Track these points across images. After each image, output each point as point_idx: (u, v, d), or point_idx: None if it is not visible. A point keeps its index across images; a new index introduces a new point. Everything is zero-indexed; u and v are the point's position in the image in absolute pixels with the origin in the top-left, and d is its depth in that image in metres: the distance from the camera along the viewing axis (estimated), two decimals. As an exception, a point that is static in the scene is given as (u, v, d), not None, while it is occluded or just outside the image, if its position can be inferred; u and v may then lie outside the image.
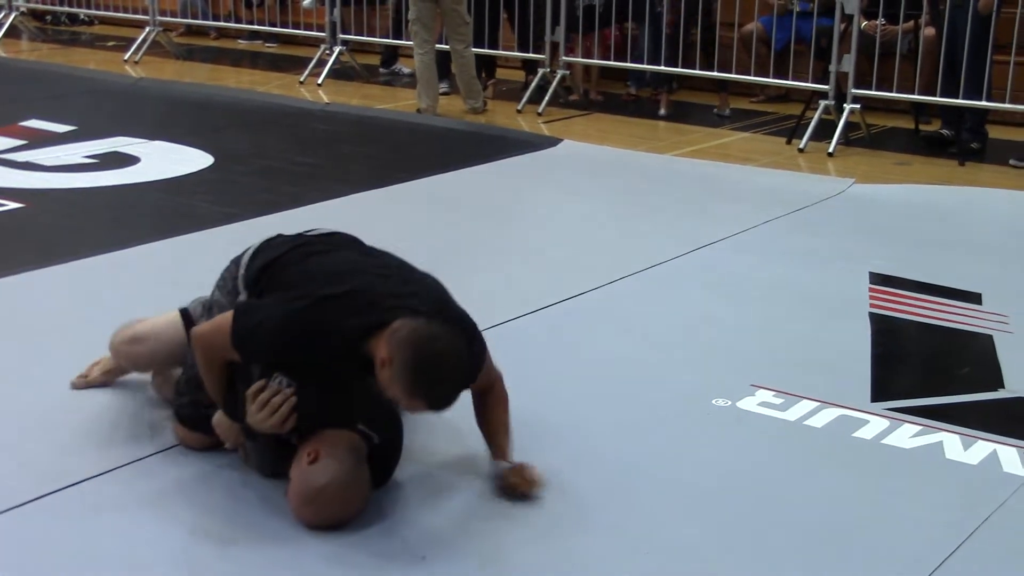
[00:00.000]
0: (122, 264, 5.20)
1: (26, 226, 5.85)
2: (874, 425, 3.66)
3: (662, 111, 8.88)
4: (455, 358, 2.93)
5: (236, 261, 3.46)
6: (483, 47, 9.26)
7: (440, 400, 2.94)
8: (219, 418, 3.25)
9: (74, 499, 3.20)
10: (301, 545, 3.00)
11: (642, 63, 8.90)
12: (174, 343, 3.51)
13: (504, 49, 9.76)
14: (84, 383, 3.84)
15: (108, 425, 3.61)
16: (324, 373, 3.07)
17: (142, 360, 3.66)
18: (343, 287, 3.08)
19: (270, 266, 3.31)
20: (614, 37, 9.21)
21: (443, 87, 9.24)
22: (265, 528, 3.07)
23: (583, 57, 9.15)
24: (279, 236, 3.47)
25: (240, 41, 12.21)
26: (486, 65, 9.68)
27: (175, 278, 5.01)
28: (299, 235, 3.46)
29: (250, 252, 3.43)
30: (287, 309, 3.05)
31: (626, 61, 9.14)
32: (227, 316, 3.11)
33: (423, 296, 3.11)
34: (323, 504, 3.01)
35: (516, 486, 3.19)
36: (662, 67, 8.72)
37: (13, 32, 12.37)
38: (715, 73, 8.71)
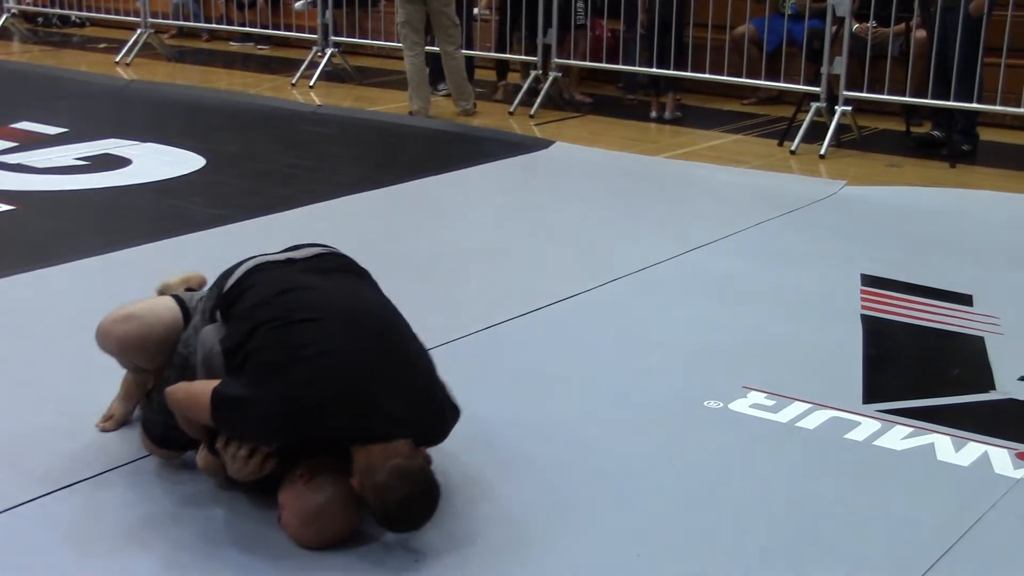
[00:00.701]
0: (114, 266, 5.19)
1: (17, 228, 5.84)
2: (866, 427, 3.66)
3: (653, 114, 8.86)
4: (424, 505, 2.91)
5: (218, 284, 3.30)
6: (491, 51, 9.29)
7: (416, 523, 2.95)
8: (204, 456, 3.16)
9: (67, 501, 3.20)
10: (289, 549, 3.00)
11: (633, 66, 8.90)
12: (168, 326, 3.34)
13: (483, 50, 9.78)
14: (113, 425, 3.60)
15: (87, 432, 3.61)
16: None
17: (131, 340, 3.36)
18: (327, 381, 2.91)
19: (246, 307, 3.13)
20: (605, 38, 9.22)
21: (443, 89, 9.25)
22: (256, 524, 3.07)
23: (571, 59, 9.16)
24: (263, 268, 3.26)
25: (232, 43, 12.21)
26: (498, 68, 9.70)
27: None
28: (286, 271, 3.24)
29: (233, 280, 3.25)
30: (274, 415, 2.91)
31: (616, 63, 9.14)
32: (205, 395, 2.96)
33: (410, 397, 2.98)
34: (325, 522, 2.97)
35: None
36: (648, 69, 8.74)
37: (4, 34, 12.36)
38: (707, 75, 8.73)
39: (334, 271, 3.29)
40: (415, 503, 2.90)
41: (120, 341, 3.39)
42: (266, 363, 2.96)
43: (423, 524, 2.95)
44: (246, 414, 2.93)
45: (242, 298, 3.16)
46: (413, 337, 3.13)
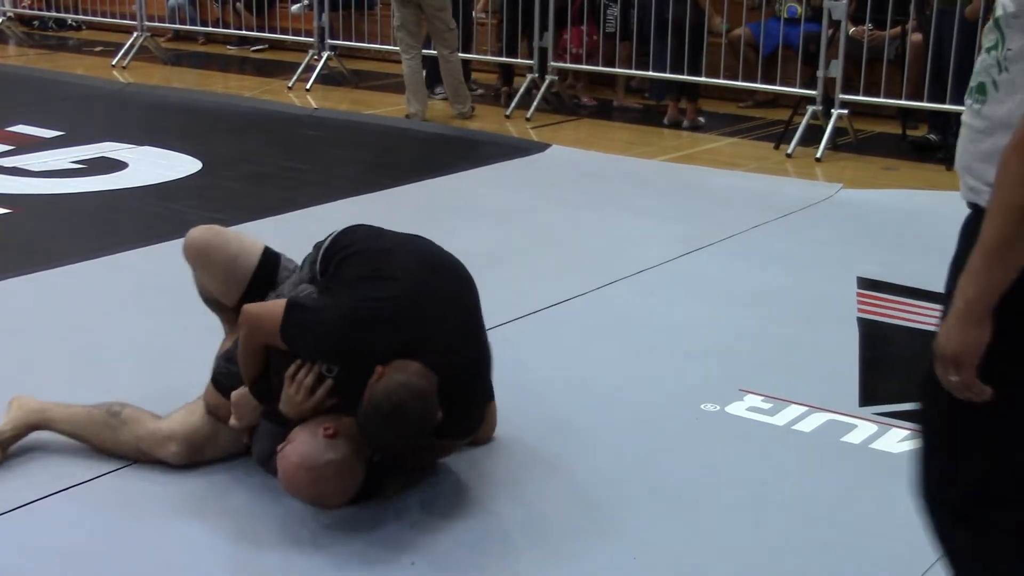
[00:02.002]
0: (110, 269, 5.19)
1: (14, 231, 5.84)
2: (862, 429, 3.67)
3: (665, 120, 8.81)
4: (411, 417, 2.91)
5: (317, 245, 3.42)
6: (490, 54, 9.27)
7: (381, 443, 3.01)
8: (241, 395, 3.24)
9: (66, 504, 3.20)
10: (288, 548, 3.00)
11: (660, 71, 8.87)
12: (242, 258, 3.46)
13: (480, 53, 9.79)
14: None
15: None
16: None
17: (214, 249, 3.47)
18: (392, 309, 3.03)
19: (340, 257, 3.29)
20: (586, 42, 9.19)
21: (440, 93, 9.26)
22: (258, 530, 3.07)
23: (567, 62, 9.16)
24: (360, 227, 3.46)
25: (229, 47, 12.20)
26: (504, 71, 9.71)
27: (163, 283, 5.01)
28: (379, 231, 3.45)
29: (330, 239, 3.39)
30: (334, 317, 3.04)
31: (613, 66, 9.15)
32: (280, 304, 3.11)
33: (453, 343, 3.06)
34: (321, 478, 3.02)
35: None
36: (646, 72, 8.74)
37: (1, 37, 12.35)
38: (703, 79, 8.73)
39: (416, 251, 3.36)
40: (399, 414, 2.89)
41: (201, 249, 3.48)
42: (341, 280, 3.18)
43: (400, 442, 2.97)
44: (309, 320, 3.06)
45: (340, 249, 3.32)
46: (478, 308, 3.25)
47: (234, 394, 3.27)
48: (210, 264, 3.49)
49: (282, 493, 3.17)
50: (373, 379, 2.93)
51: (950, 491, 2.05)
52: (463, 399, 3.08)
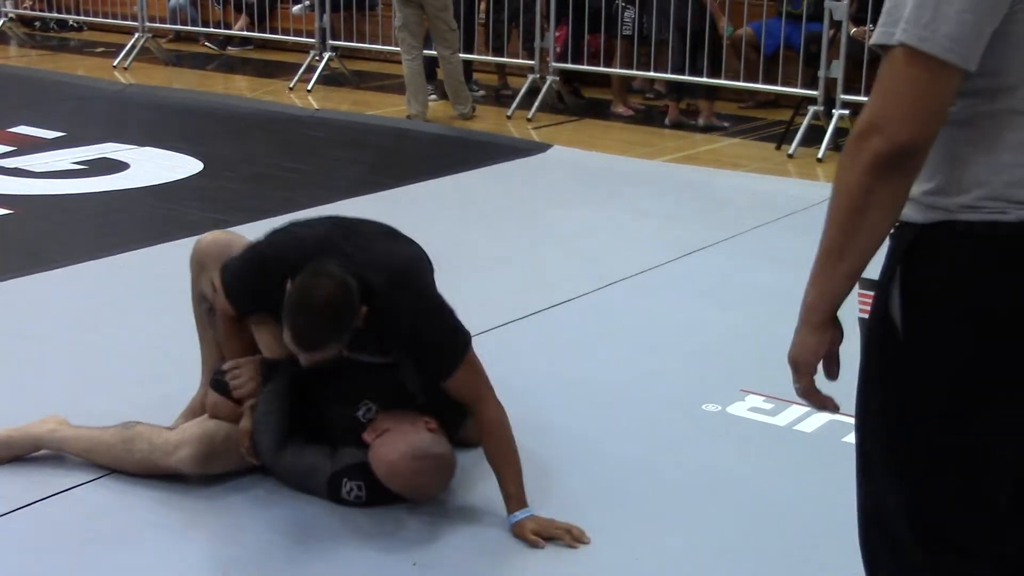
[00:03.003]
0: (112, 270, 5.19)
1: (15, 232, 5.84)
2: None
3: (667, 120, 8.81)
4: (327, 295, 2.93)
5: None
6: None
7: (299, 328, 2.94)
8: (212, 398, 3.28)
9: (66, 505, 3.20)
10: (289, 549, 3.00)
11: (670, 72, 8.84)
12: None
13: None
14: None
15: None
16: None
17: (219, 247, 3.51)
18: (304, 241, 3.21)
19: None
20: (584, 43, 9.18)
21: (430, 92, 9.26)
22: (255, 531, 3.07)
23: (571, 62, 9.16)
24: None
25: (207, 44, 12.15)
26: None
27: (165, 284, 5.00)
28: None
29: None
30: (253, 245, 3.32)
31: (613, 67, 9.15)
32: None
33: (369, 268, 3.08)
34: (426, 469, 3.09)
35: (534, 543, 3.03)
36: (647, 73, 8.74)
37: (2, 38, 12.35)
38: (704, 79, 8.74)
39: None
40: (314, 285, 2.94)
41: (215, 243, 3.49)
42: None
43: (312, 312, 2.94)
44: (228, 267, 3.28)
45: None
46: (398, 236, 3.42)
47: (208, 404, 3.29)
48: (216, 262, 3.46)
49: (281, 494, 3.18)
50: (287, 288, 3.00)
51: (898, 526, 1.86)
52: (392, 304, 3.06)
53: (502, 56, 9.65)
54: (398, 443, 3.07)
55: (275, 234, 3.33)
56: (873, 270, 1.78)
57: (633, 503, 3.25)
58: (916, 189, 1.70)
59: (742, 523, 3.17)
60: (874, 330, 1.80)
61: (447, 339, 3.13)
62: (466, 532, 3.11)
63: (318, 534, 3.08)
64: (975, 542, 1.77)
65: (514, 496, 3.08)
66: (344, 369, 3.17)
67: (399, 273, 3.14)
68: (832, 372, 1.88)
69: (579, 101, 9.43)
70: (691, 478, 3.41)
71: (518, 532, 3.05)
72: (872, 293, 1.82)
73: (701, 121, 8.63)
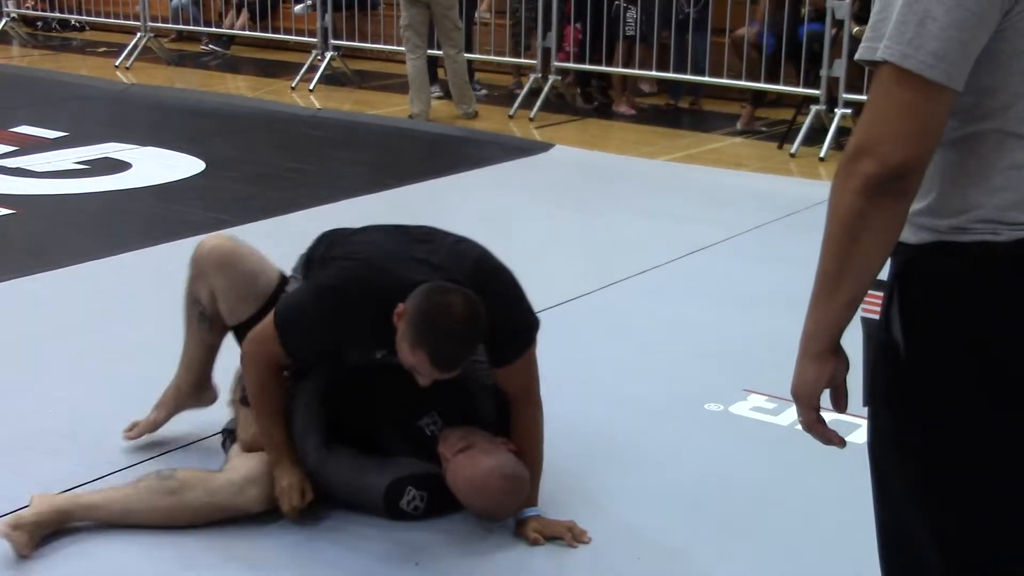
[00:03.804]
0: (113, 270, 5.19)
1: (17, 232, 5.84)
2: (866, 430, 3.65)
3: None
4: (466, 313, 2.84)
5: (301, 256, 3.40)
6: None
7: (442, 350, 2.83)
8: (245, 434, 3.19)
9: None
10: (292, 548, 3.00)
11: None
12: (262, 272, 3.34)
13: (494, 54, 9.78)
14: (135, 433, 3.49)
15: (102, 430, 3.60)
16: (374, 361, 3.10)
17: (239, 259, 3.35)
18: (374, 260, 3.08)
19: (322, 251, 3.30)
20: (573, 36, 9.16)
21: (434, 91, 9.26)
22: (268, 528, 3.07)
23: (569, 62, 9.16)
24: (339, 228, 3.43)
25: (203, 46, 12.16)
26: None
27: (166, 284, 5.00)
28: (360, 228, 3.41)
29: (312, 244, 3.39)
30: (317, 283, 3.09)
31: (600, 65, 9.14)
32: (269, 316, 3.06)
33: (455, 268, 3.05)
34: (510, 489, 3.03)
35: (534, 541, 3.04)
36: (649, 72, 8.74)
37: (4, 38, 12.36)
38: (706, 78, 8.74)
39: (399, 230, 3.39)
40: (454, 302, 2.85)
41: (217, 250, 3.36)
42: (327, 259, 3.19)
43: (459, 331, 2.85)
44: (301, 293, 3.08)
45: (317, 244, 3.34)
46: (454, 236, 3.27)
47: (240, 438, 3.21)
48: (233, 274, 3.32)
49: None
50: (397, 315, 2.87)
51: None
52: (487, 300, 2.97)
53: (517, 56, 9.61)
54: (485, 460, 3.02)
55: (332, 265, 3.13)
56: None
57: (634, 502, 3.25)
58: (910, 209, 1.65)
59: (744, 523, 3.17)
60: (878, 346, 1.75)
61: (525, 325, 3.13)
62: (467, 533, 3.10)
63: (318, 531, 3.07)
64: (1008, 566, 1.71)
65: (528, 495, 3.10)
66: (400, 378, 2.99)
67: (482, 270, 3.09)
68: (840, 404, 1.82)
69: (587, 106, 9.39)
70: (693, 477, 3.40)
71: (519, 529, 3.06)
72: (877, 293, 1.77)
73: (739, 125, 8.63)
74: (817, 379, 1.77)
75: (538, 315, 3.17)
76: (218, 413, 3.54)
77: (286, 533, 3.07)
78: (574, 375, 4.07)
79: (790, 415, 3.77)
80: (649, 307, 4.82)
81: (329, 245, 3.29)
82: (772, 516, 3.21)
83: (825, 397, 1.85)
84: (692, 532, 3.12)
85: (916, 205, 1.66)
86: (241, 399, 3.25)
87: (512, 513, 3.08)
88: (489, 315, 2.92)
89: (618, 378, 4.09)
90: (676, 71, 8.76)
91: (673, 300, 4.90)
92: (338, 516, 3.14)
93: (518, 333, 3.10)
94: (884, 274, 1.76)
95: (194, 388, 3.54)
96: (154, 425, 3.52)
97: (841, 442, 1.86)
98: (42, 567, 2.91)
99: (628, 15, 9.03)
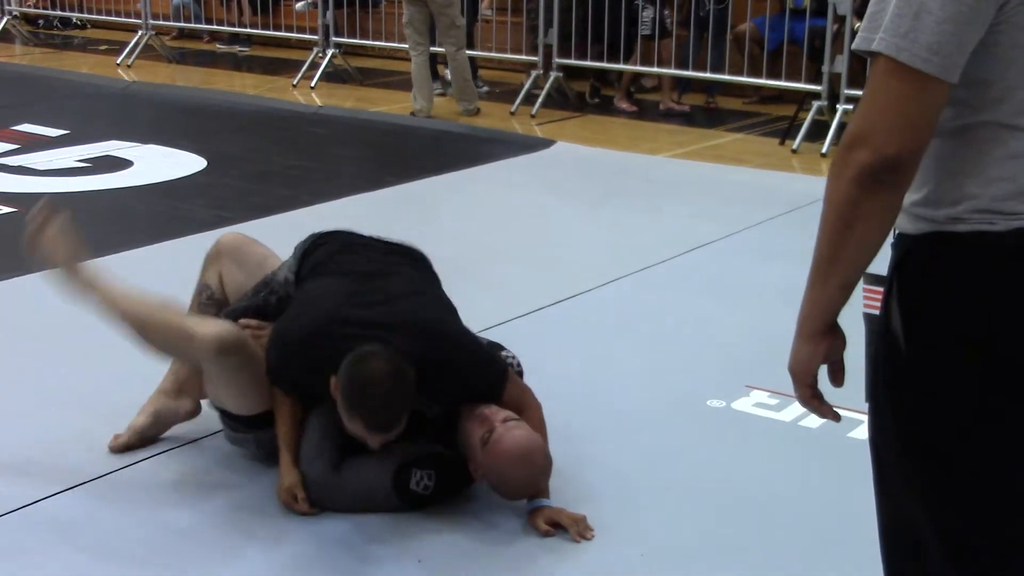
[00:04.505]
0: (115, 268, 5.15)
1: (19, 231, 5.81)
2: (867, 425, 3.65)
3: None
4: (389, 375, 2.94)
5: (297, 249, 3.53)
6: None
7: (375, 417, 2.96)
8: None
9: (68, 503, 3.20)
10: (296, 545, 3.00)
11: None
12: (271, 260, 3.54)
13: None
14: (119, 446, 3.51)
15: (105, 428, 3.60)
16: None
17: (250, 245, 3.62)
18: (318, 321, 3.15)
19: (306, 268, 3.44)
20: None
21: (436, 88, 9.26)
22: (261, 524, 3.07)
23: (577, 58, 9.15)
24: (336, 235, 3.55)
25: (218, 44, 12.17)
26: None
27: (169, 282, 4.99)
28: (341, 243, 3.52)
29: (309, 243, 3.52)
30: (276, 328, 3.24)
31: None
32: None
33: (401, 326, 3.10)
34: (546, 472, 3.12)
35: (545, 532, 3.06)
36: (651, 68, 8.73)
37: (5, 36, 12.36)
38: (708, 74, 8.74)
39: (393, 253, 3.50)
40: (374, 368, 2.94)
41: (232, 236, 3.60)
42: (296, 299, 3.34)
43: (384, 393, 2.93)
44: (271, 347, 3.23)
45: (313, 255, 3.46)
46: (415, 290, 3.29)
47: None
48: (243, 256, 3.57)
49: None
50: (333, 389, 3.01)
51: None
52: (432, 363, 3.06)
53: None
54: (534, 434, 3.09)
55: (291, 308, 3.27)
56: (879, 266, 1.77)
57: (637, 499, 3.24)
58: (906, 199, 1.67)
59: (747, 519, 3.17)
60: (879, 338, 1.77)
61: (490, 371, 3.22)
62: (470, 529, 3.10)
63: (323, 528, 3.07)
64: (1009, 561, 1.71)
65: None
66: None
67: (428, 334, 3.13)
68: (837, 380, 1.88)
69: (592, 101, 9.39)
70: (696, 474, 3.40)
71: (531, 519, 3.08)
72: (877, 288, 1.79)
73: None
74: (811, 357, 1.84)
75: (504, 359, 3.34)
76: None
77: (285, 529, 3.07)
78: (575, 372, 4.07)
79: (793, 411, 3.77)
80: (651, 304, 4.82)
81: (311, 267, 3.42)
82: (774, 512, 3.20)
83: (831, 392, 1.87)
84: (694, 528, 3.12)
85: (914, 196, 1.68)
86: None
87: (529, 495, 3.12)
88: (447, 383, 3.11)
89: (620, 374, 4.08)
90: (688, 69, 8.74)
91: (675, 296, 4.90)
92: (340, 515, 3.13)
93: (480, 390, 3.18)
94: (882, 269, 1.77)
95: (175, 388, 3.57)
96: (138, 434, 3.52)
97: (836, 417, 1.93)
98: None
99: (645, 14, 9.01)
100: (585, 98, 9.33)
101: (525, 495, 3.12)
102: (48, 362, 4.14)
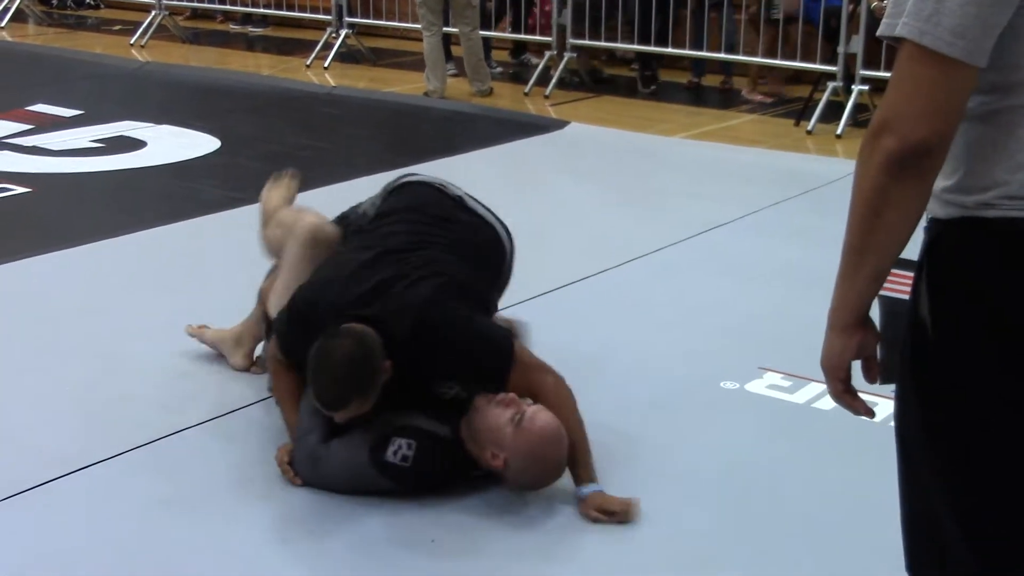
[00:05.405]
0: (129, 248, 5.20)
1: (32, 211, 5.85)
2: (883, 408, 3.59)
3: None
4: (345, 358, 2.98)
5: (385, 187, 3.73)
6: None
7: (323, 393, 3.02)
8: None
9: (81, 484, 3.21)
10: (310, 525, 3.00)
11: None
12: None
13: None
14: (197, 333, 3.96)
15: (116, 408, 3.61)
16: None
17: (324, 232, 3.64)
18: (316, 297, 3.25)
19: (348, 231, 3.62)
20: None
21: (450, 69, 9.23)
22: (276, 509, 3.08)
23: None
24: (411, 186, 3.73)
25: (232, 25, 12.16)
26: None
27: (182, 262, 5.01)
28: (408, 202, 3.63)
29: (393, 191, 3.69)
30: (292, 296, 3.34)
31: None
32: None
33: (394, 322, 3.10)
34: (563, 464, 3.10)
35: (594, 519, 3.05)
36: (663, 48, 8.70)
37: (19, 16, 12.36)
38: (723, 55, 8.70)
39: (451, 222, 3.58)
40: (329, 351, 3.01)
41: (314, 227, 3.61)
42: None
43: (334, 377, 2.99)
44: (281, 311, 3.40)
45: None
46: (435, 271, 3.26)
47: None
48: (307, 264, 3.55)
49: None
50: None
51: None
52: (425, 346, 3.08)
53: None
54: (553, 419, 3.07)
55: (309, 290, 3.32)
56: (907, 250, 1.74)
57: (650, 481, 3.24)
58: (938, 184, 1.65)
59: (761, 501, 3.16)
60: (908, 323, 1.73)
61: (490, 351, 3.17)
62: (483, 510, 3.10)
63: (335, 510, 3.08)
64: None
65: (579, 470, 3.11)
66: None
67: (427, 326, 3.10)
68: (871, 375, 1.84)
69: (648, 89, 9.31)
70: (709, 456, 3.40)
71: (581, 506, 3.07)
72: (901, 272, 1.76)
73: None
74: (843, 351, 1.80)
75: (503, 331, 3.29)
76: (235, 394, 3.54)
77: (299, 511, 3.07)
78: (588, 353, 4.06)
79: (806, 393, 3.76)
80: (665, 285, 4.81)
81: (353, 231, 3.56)
82: (788, 495, 3.20)
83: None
84: (707, 510, 3.12)
85: (945, 181, 1.66)
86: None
87: (546, 485, 3.10)
88: (451, 361, 3.14)
89: (634, 356, 4.08)
90: (699, 49, 8.69)
91: (689, 278, 4.88)
92: (348, 497, 3.14)
93: (486, 362, 3.17)
94: (914, 254, 1.75)
95: (236, 339, 3.85)
96: (204, 338, 3.93)
97: (870, 413, 1.88)
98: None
99: None
100: (637, 85, 9.16)
101: (545, 481, 3.09)
102: (61, 341, 4.15)
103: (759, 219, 5.73)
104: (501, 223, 3.68)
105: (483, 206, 3.70)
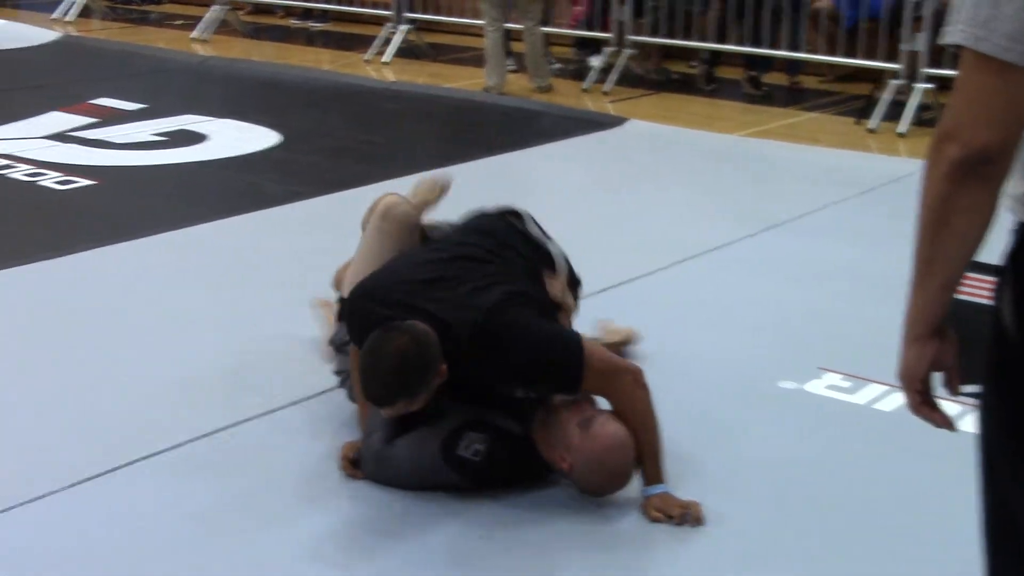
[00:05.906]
0: (190, 241, 5.25)
1: (98, 203, 5.92)
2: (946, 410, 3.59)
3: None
4: (394, 354, 2.92)
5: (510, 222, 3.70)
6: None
7: (369, 388, 2.99)
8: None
9: (149, 473, 3.25)
10: (367, 520, 3.02)
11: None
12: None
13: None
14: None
15: (178, 397, 3.65)
16: None
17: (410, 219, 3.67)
18: (377, 295, 3.19)
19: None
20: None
21: (509, 64, 9.23)
22: (336, 504, 3.10)
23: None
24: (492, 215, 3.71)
25: (292, 20, 12.22)
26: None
27: (242, 256, 5.06)
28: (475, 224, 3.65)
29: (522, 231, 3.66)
30: (351, 293, 3.30)
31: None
32: None
33: (453, 299, 3.08)
34: (628, 474, 3.10)
35: (654, 519, 3.04)
36: (720, 45, 8.65)
37: (86, 12, 12.50)
38: (783, 52, 8.62)
39: (509, 248, 3.49)
40: (376, 349, 2.96)
41: (391, 203, 3.63)
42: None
43: (381, 375, 2.94)
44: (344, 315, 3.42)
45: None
46: (493, 282, 3.19)
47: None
48: (396, 244, 3.57)
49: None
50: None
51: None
52: (488, 351, 3.01)
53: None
54: (621, 428, 3.06)
55: (376, 276, 3.29)
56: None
57: (707, 479, 3.22)
58: (1020, 189, 1.62)
59: (818, 501, 3.14)
60: (992, 329, 1.73)
61: (558, 357, 3.07)
62: (531, 504, 3.10)
63: (392, 503, 3.09)
64: None
65: (646, 470, 3.09)
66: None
67: (488, 332, 3.03)
68: (953, 387, 1.81)
69: (661, 78, 9.30)
70: (769, 456, 3.37)
71: (643, 506, 3.06)
72: (977, 276, 1.74)
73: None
74: (919, 362, 1.76)
75: (571, 333, 3.19)
76: (303, 385, 3.57)
77: (356, 503, 3.09)
78: (646, 351, 4.05)
79: (867, 394, 3.73)
80: (722, 284, 4.78)
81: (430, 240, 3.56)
82: (849, 495, 3.17)
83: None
84: (764, 509, 3.10)
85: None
86: None
87: (611, 492, 3.09)
88: (516, 369, 3.05)
89: (691, 355, 4.06)
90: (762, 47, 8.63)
91: (747, 277, 4.85)
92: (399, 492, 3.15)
93: (556, 369, 3.08)
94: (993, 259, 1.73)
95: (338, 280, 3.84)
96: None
97: (951, 426, 1.84)
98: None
99: None
100: (697, 81, 9.13)
101: (609, 489, 3.08)
102: (128, 332, 4.19)
103: (819, 218, 5.68)
104: (565, 258, 3.65)
105: (555, 245, 3.66)
